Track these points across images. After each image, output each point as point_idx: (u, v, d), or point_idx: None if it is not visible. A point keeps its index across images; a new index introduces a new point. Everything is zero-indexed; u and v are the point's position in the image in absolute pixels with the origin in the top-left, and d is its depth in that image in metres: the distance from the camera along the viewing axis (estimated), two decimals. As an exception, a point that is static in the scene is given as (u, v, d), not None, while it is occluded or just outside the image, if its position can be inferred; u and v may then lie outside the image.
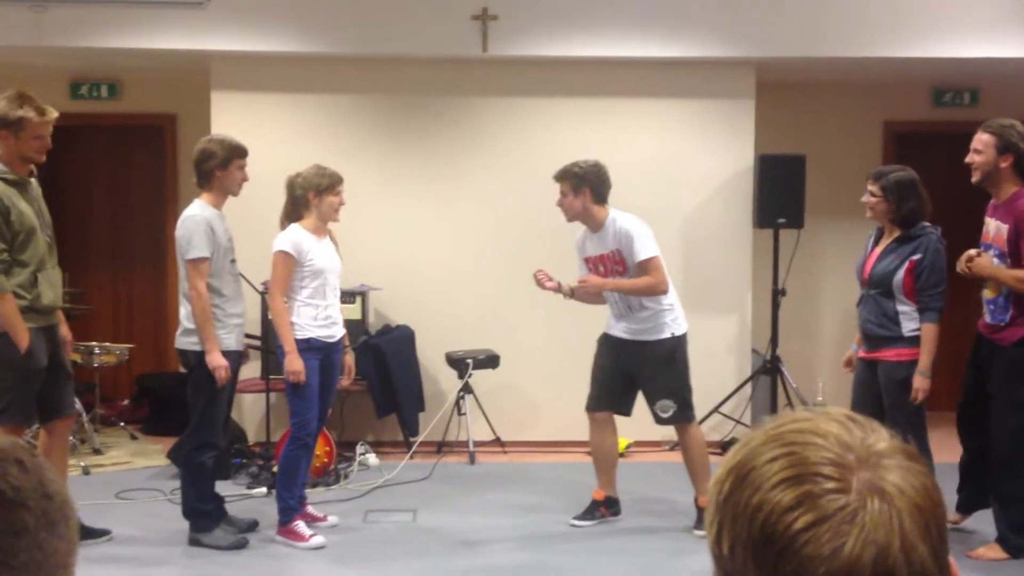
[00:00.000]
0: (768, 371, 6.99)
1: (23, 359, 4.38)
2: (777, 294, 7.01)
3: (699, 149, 6.98)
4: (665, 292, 5.00)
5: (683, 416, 5.09)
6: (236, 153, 4.79)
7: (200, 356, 4.67)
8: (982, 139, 4.51)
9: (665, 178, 6.91)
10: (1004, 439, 4.59)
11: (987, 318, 4.65)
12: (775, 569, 0.83)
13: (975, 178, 4.58)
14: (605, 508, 5.27)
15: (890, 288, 4.66)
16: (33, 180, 4.59)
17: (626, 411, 5.28)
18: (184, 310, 4.76)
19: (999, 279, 4.52)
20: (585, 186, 5.08)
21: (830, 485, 0.83)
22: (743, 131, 6.97)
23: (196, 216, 4.70)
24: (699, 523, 4.95)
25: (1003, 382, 4.58)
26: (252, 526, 5.04)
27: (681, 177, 6.94)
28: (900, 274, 4.63)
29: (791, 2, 6.62)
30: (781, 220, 6.86)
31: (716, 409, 6.88)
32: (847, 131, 7.70)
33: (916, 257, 4.62)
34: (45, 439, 4.68)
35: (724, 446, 6.84)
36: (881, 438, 0.88)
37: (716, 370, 6.92)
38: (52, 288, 4.57)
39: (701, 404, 6.80)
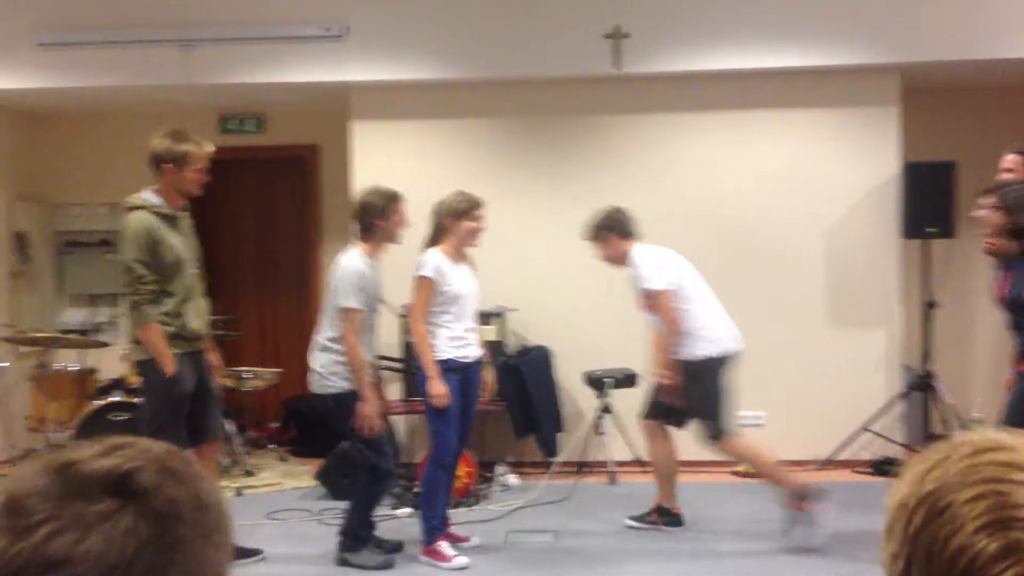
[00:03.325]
0: (921, 387, 6.72)
1: (170, 384, 4.58)
2: (929, 306, 6.74)
3: (841, 159, 6.78)
4: (678, 331, 5.21)
5: (710, 437, 5.27)
6: (393, 199, 4.88)
7: (341, 398, 4.76)
8: (1012, 159, 4.66)
9: (806, 190, 6.74)
10: None
11: None
12: None
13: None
14: (657, 516, 5.45)
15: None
16: (184, 214, 4.80)
17: (675, 423, 5.47)
18: (319, 354, 4.82)
19: None
20: (609, 233, 5.38)
21: None
22: (887, 138, 6.74)
23: (353, 267, 4.78)
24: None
25: None
26: (397, 547, 5.11)
27: (823, 188, 6.76)
28: None
29: (934, 5, 6.38)
30: (930, 229, 6.60)
31: (866, 427, 6.64)
32: (998, 134, 7.32)
33: None
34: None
35: (875, 465, 6.59)
36: None
37: (865, 386, 6.69)
38: (198, 316, 4.77)
39: (850, 421, 6.61)
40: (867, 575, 4.59)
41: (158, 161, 4.65)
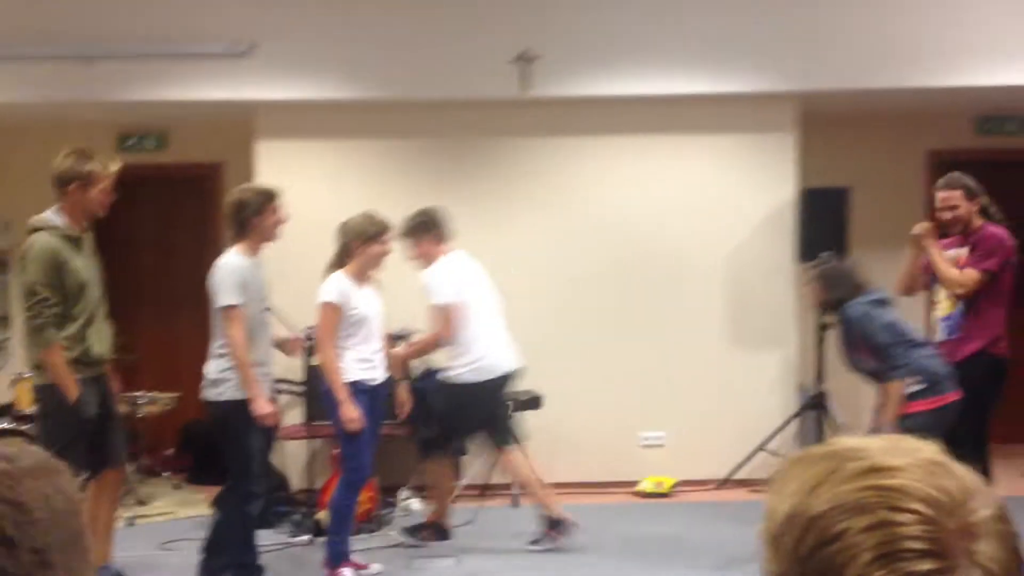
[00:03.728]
0: (814, 406, 6.88)
1: (72, 409, 4.45)
2: (822, 329, 6.91)
3: (741, 184, 6.94)
4: (442, 344, 5.41)
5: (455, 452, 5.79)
6: (269, 197, 4.79)
7: (228, 406, 4.62)
8: (953, 196, 5.13)
9: (707, 214, 6.87)
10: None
11: (942, 335, 5.17)
12: None
13: (956, 230, 5.17)
14: (429, 531, 5.66)
15: None
16: (87, 235, 4.69)
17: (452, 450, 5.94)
18: (211, 361, 4.72)
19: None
20: (425, 234, 5.54)
21: (927, 566, 0.77)
22: (785, 165, 6.92)
23: (228, 264, 4.69)
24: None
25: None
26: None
27: (723, 212, 6.90)
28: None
29: (832, 35, 6.58)
30: (825, 253, 6.77)
31: (762, 446, 6.77)
32: (890, 162, 7.61)
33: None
34: (94, 490, 4.70)
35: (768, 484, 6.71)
36: (973, 494, 0.81)
37: (762, 406, 6.83)
38: (101, 340, 4.66)
39: (747, 441, 6.73)
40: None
41: (62, 181, 4.53)
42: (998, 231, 5.13)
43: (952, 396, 4.75)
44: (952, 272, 5.09)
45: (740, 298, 6.90)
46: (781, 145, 6.93)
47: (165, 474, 7.05)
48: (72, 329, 4.51)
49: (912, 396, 4.73)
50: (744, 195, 6.92)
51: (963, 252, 5.15)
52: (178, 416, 7.46)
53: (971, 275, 5.04)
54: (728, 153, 6.97)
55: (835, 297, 5.05)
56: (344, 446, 4.92)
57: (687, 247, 6.85)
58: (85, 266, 4.59)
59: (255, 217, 4.73)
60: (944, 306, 5.18)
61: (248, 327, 4.69)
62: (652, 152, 6.95)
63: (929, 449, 0.85)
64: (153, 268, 7.96)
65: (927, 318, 5.80)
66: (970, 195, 5.14)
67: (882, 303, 4.98)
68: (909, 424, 4.63)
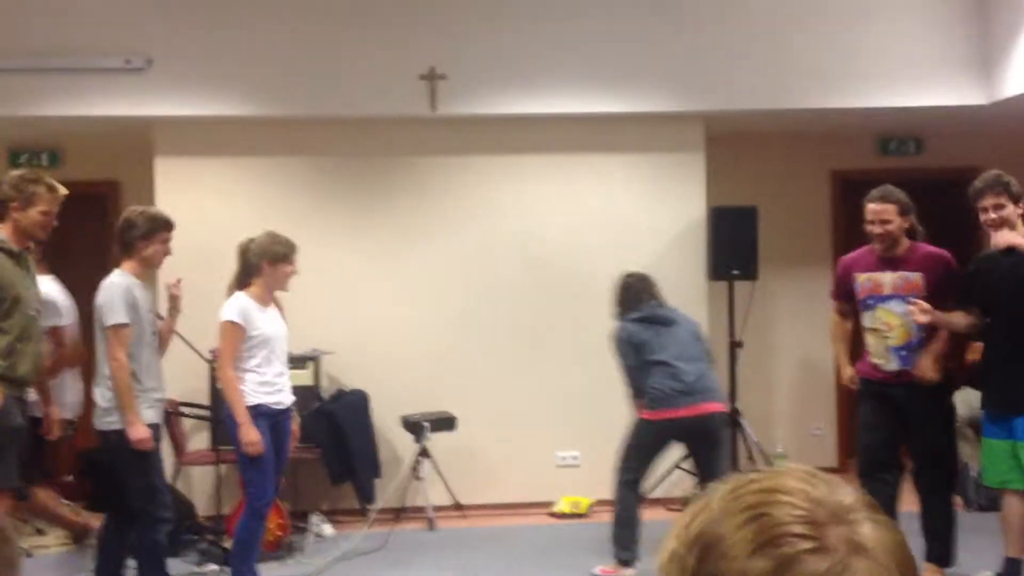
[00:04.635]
0: (728, 424, 6.92)
1: None
2: (734, 346, 6.98)
3: (651, 203, 6.97)
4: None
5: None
6: (160, 225, 4.67)
7: (121, 435, 4.46)
8: (887, 209, 4.80)
9: (618, 232, 6.88)
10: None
11: (894, 364, 4.82)
12: None
13: (884, 245, 4.84)
14: None
15: None
16: (28, 256, 4.57)
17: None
18: (100, 390, 4.55)
19: (952, 325, 4.76)
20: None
21: (806, 545, 0.78)
22: (694, 184, 6.98)
23: (117, 283, 4.55)
24: None
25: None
26: None
27: (634, 231, 6.92)
28: None
29: (736, 56, 6.67)
30: (735, 272, 6.86)
31: (677, 465, 6.78)
32: (796, 181, 7.74)
33: None
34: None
35: (686, 502, 6.73)
36: (846, 492, 0.83)
37: (676, 425, 6.84)
38: (31, 361, 4.47)
39: (663, 459, 6.72)
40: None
41: (2, 199, 4.44)
42: (944, 252, 4.88)
43: (681, 412, 5.08)
44: (957, 323, 4.75)
45: (652, 316, 6.91)
46: (690, 164, 6.99)
47: (64, 503, 6.73)
48: (1, 343, 4.33)
49: (644, 405, 5.18)
50: (655, 213, 6.96)
51: (897, 276, 4.83)
52: (75, 443, 7.15)
53: (966, 317, 4.76)
54: (639, 172, 7.01)
55: (615, 310, 5.48)
56: (245, 471, 4.74)
57: (600, 265, 6.83)
58: (23, 284, 4.45)
59: (140, 241, 4.63)
60: (898, 334, 4.82)
61: (136, 349, 4.55)
62: (563, 171, 6.94)
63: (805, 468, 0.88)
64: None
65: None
66: (903, 211, 4.84)
67: (651, 321, 5.27)
68: (635, 424, 5.23)
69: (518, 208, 6.91)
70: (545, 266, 6.86)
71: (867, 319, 4.91)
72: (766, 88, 6.70)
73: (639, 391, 5.22)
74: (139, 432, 4.45)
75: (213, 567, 5.47)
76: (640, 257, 6.91)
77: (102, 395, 4.53)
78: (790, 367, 7.70)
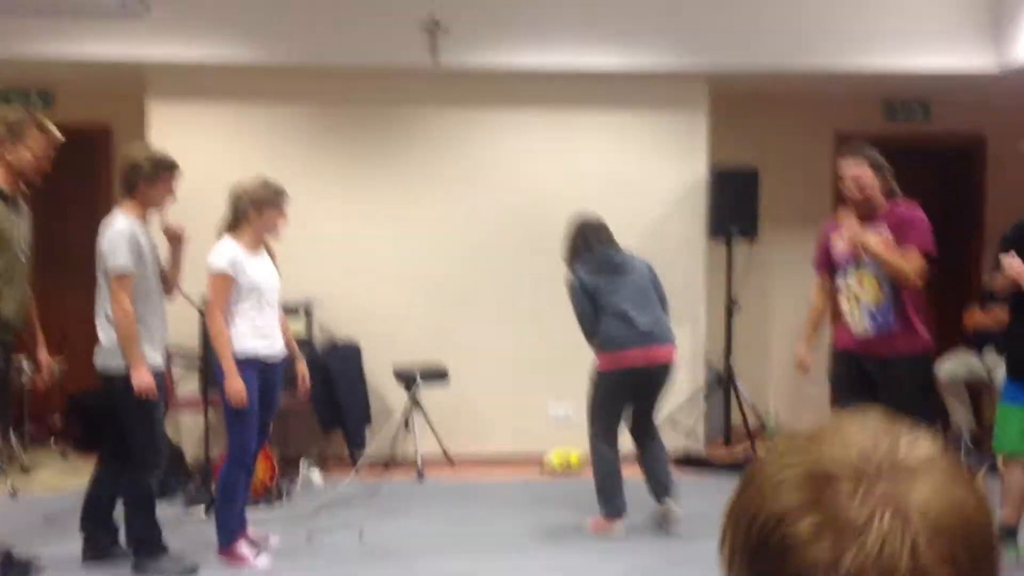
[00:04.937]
0: (722, 384, 6.90)
1: None
2: (731, 306, 6.93)
3: (653, 161, 6.89)
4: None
5: None
6: (165, 167, 4.58)
7: (127, 378, 4.42)
8: (861, 168, 4.59)
9: (618, 190, 6.80)
10: None
11: (868, 329, 4.60)
12: None
13: (861, 207, 4.60)
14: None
15: None
16: (22, 202, 4.48)
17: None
18: (105, 331, 4.49)
19: (883, 258, 4.51)
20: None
21: (845, 488, 0.75)
22: (696, 143, 6.89)
23: (120, 227, 4.46)
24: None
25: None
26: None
27: (635, 189, 6.84)
28: None
29: (743, 15, 6.56)
30: (735, 233, 6.79)
31: (670, 422, 6.75)
32: (799, 143, 7.66)
33: None
34: None
35: (678, 460, 6.71)
36: (918, 448, 0.78)
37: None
38: (16, 303, 4.40)
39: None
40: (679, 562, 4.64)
41: None
42: (917, 209, 4.62)
43: (636, 358, 5.06)
44: (903, 263, 4.49)
45: (651, 274, 6.85)
46: (693, 124, 6.91)
47: (51, 443, 6.71)
48: None
49: (598, 354, 5.17)
50: (656, 172, 6.88)
51: (879, 231, 4.60)
52: (64, 385, 7.11)
53: (919, 261, 4.52)
54: (641, 130, 6.92)
55: (567, 256, 5.37)
56: (229, 421, 4.67)
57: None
58: (14, 224, 4.36)
59: (145, 183, 4.54)
60: (869, 297, 4.61)
61: (143, 293, 4.49)
62: (564, 127, 6.85)
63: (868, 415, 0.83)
64: (39, 234, 7.52)
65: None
66: (877, 167, 4.63)
67: (606, 268, 5.19)
68: (594, 377, 5.20)
69: (516, 162, 6.83)
70: (541, 221, 6.78)
71: (842, 283, 4.73)
72: (772, 47, 6.60)
73: (593, 338, 5.19)
74: (144, 380, 4.42)
75: (200, 511, 5.44)
76: (639, 215, 6.85)
77: (107, 337, 4.46)
78: (787, 329, 7.63)
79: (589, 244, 5.30)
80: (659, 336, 5.15)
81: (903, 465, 0.76)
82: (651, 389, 5.24)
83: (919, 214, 4.60)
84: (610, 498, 5.16)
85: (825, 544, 0.72)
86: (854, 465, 0.76)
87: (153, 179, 4.53)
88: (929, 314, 4.70)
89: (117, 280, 4.40)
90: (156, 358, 4.56)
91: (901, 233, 4.55)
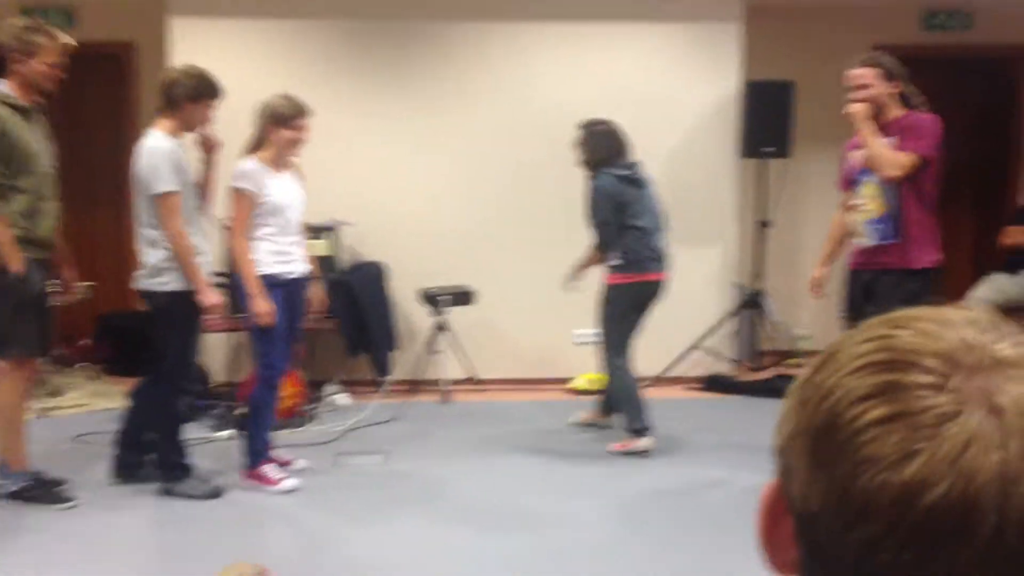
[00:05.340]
0: (751, 305, 6.81)
1: (18, 285, 4.22)
2: (763, 226, 6.80)
3: (684, 75, 6.71)
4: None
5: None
6: (209, 91, 4.48)
7: (170, 297, 4.40)
8: (867, 73, 4.49)
9: (648, 105, 6.64)
10: None
11: (869, 240, 4.53)
12: (830, 466, 0.66)
13: (866, 112, 4.48)
14: None
15: None
16: (38, 109, 4.41)
17: None
18: (148, 250, 4.44)
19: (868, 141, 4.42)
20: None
21: (925, 379, 0.64)
22: (729, 56, 6.69)
23: (161, 148, 4.38)
24: None
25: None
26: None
27: (664, 104, 6.68)
28: None
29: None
30: (768, 149, 6.63)
31: (697, 345, 6.70)
32: (834, 55, 7.40)
33: None
34: (6, 386, 4.42)
35: (706, 381, 6.67)
36: (1020, 344, 0.67)
37: (699, 304, 6.73)
38: (48, 222, 4.39)
39: (682, 338, 6.64)
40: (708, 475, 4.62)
41: (4, 52, 4.26)
42: (928, 116, 4.46)
43: (652, 276, 5.14)
44: (888, 150, 4.39)
45: (680, 193, 6.72)
46: (725, 36, 6.70)
47: (80, 365, 6.77)
48: (20, 204, 4.23)
49: (613, 269, 5.14)
50: (687, 87, 6.70)
51: (889, 143, 4.47)
52: (93, 306, 7.16)
53: (908, 156, 4.39)
54: (672, 42, 6.72)
55: (594, 159, 5.18)
56: (256, 342, 4.66)
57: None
58: (35, 138, 4.32)
59: (187, 102, 4.44)
60: (872, 207, 4.53)
61: (188, 213, 4.45)
62: (592, 41, 6.67)
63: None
64: (64, 155, 7.49)
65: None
66: (887, 76, 4.47)
67: (631, 181, 5.13)
68: (607, 294, 5.19)
69: (541, 78, 6.68)
70: (570, 140, 6.64)
71: (853, 196, 4.64)
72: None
73: (611, 250, 5.16)
74: (212, 297, 4.42)
75: (226, 433, 5.48)
76: (670, 131, 6.70)
77: (150, 255, 4.42)
78: (818, 249, 7.49)
79: (619, 150, 5.23)
80: (668, 261, 5.25)
81: (1003, 358, 0.66)
82: (648, 308, 5.27)
83: (927, 120, 4.44)
84: (637, 413, 5.19)
85: (893, 438, 0.63)
86: (949, 354, 0.66)
87: (196, 99, 4.45)
88: (937, 231, 4.53)
89: (163, 201, 4.35)
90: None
91: (903, 138, 4.43)
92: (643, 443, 5.17)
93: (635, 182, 5.19)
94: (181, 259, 4.38)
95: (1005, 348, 0.66)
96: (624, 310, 5.18)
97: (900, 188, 4.44)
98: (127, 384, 6.02)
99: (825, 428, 0.66)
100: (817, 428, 0.67)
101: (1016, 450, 0.61)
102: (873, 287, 4.56)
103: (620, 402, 5.25)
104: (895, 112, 4.49)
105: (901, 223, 4.46)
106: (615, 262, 5.16)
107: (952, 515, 0.61)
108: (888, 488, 0.62)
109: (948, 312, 0.69)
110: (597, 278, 5.81)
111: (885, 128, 4.49)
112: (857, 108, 4.49)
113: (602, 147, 5.22)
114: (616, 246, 5.14)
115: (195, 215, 4.56)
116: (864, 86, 4.48)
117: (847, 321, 4.77)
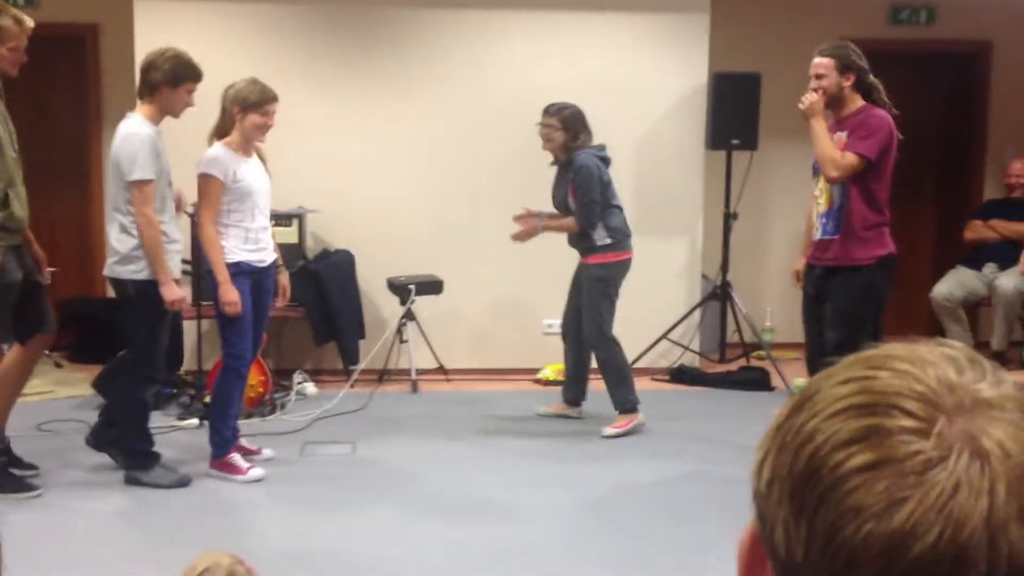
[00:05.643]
0: (718, 297, 6.85)
1: None
2: (729, 218, 6.84)
3: (652, 66, 6.72)
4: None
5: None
6: (188, 75, 4.44)
7: (140, 286, 4.36)
8: (823, 63, 4.52)
9: (616, 95, 6.64)
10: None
11: (819, 234, 4.58)
12: (813, 515, 0.63)
13: (819, 105, 4.53)
14: None
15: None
16: (0, 98, 4.35)
17: None
18: (119, 237, 4.39)
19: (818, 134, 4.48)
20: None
21: (908, 423, 0.62)
22: (697, 47, 6.71)
23: (140, 134, 4.33)
24: None
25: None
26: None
27: (631, 95, 6.68)
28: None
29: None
30: (735, 141, 6.66)
31: (665, 335, 6.73)
32: (802, 48, 7.43)
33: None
34: (17, 355, 4.52)
35: (673, 373, 6.71)
36: (999, 382, 0.66)
37: (665, 295, 6.76)
38: (22, 205, 4.32)
39: (650, 329, 6.67)
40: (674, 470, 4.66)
41: None
42: (881, 113, 4.45)
43: (632, 254, 5.36)
44: (832, 151, 4.41)
45: (647, 185, 6.74)
46: (693, 27, 6.71)
47: (45, 352, 6.66)
48: None
49: (602, 248, 5.26)
50: (655, 77, 6.72)
51: (840, 137, 4.49)
52: (55, 292, 7.06)
53: (848, 158, 4.38)
54: (639, 32, 6.73)
55: (576, 141, 5.26)
56: (223, 330, 4.63)
57: (598, 130, 6.64)
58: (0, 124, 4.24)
59: (166, 87, 4.40)
60: (825, 199, 4.54)
61: (163, 202, 4.41)
62: (559, 29, 6.66)
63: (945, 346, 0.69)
64: (25, 138, 7.37)
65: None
66: (843, 68, 4.46)
67: (605, 160, 5.34)
68: (598, 273, 5.28)
69: (511, 66, 6.66)
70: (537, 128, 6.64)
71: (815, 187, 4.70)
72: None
73: (597, 229, 5.28)
74: (174, 293, 4.37)
75: (193, 422, 5.44)
76: (637, 122, 6.71)
77: (121, 242, 4.37)
78: (784, 241, 7.55)
79: (590, 131, 5.37)
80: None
81: (983, 399, 0.64)
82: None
83: (876, 118, 4.44)
84: (630, 391, 5.38)
85: (879, 487, 0.61)
86: (930, 396, 0.64)
87: (175, 84, 4.40)
88: (884, 227, 4.55)
89: (139, 188, 4.30)
90: (175, 268, 4.50)
91: (850, 136, 4.46)
92: (639, 418, 5.38)
93: (607, 161, 5.39)
94: (148, 249, 4.33)
95: (985, 389, 0.65)
96: (616, 288, 5.34)
97: (845, 184, 4.48)
98: (91, 372, 5.98)
99: (806, 475, 0.64)
100: (798, 475, 0.65)
101: (1002, 495, 0.60)
102: (825, 286, 4.61)
103: (613, 378, 5.38)
104: (855, 104, 4.51)
105: (843, 219, 4.50)
106: (604, 241, 5.28)
107: (942, 564, 0.59)
108: (876, 538, 0.60)
109: (924, 351, 0.67)
110: (565, 262, 5.82)
111: (842, 122, 4.53)
112: (810, 101, 4.53)
113: (583, 128, 5.33)
114: (600, 225, 5.27)
115: (169, 203, 4.52)
116: (820, 76, 4.52)
117: (803, 319, 4.81)
